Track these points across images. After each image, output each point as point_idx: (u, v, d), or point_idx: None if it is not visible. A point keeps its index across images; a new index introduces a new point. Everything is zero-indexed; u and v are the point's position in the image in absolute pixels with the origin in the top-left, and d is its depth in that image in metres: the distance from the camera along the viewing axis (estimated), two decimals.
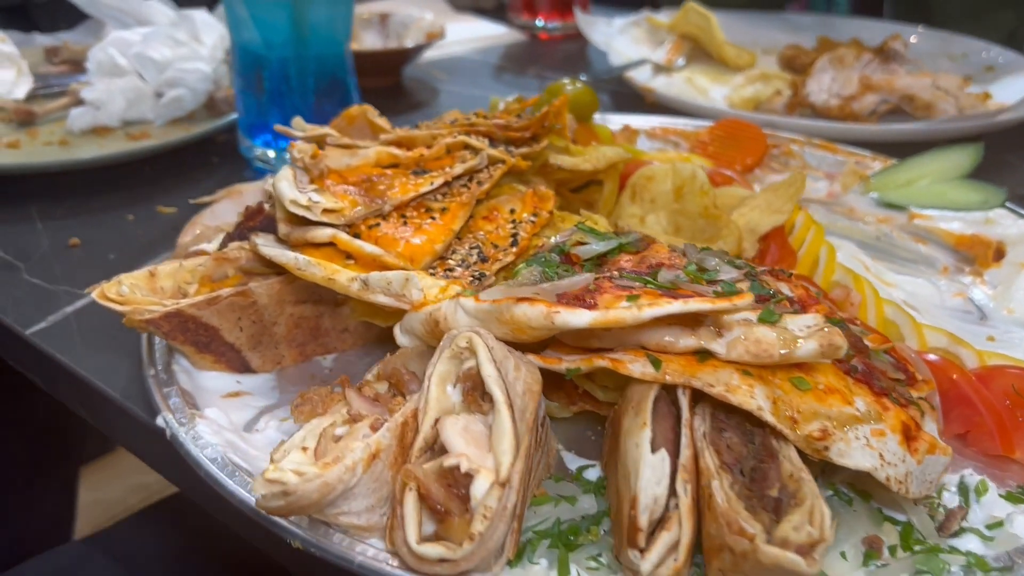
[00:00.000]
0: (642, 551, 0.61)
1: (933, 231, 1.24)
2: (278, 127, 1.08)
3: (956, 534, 0.71)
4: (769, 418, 0.66)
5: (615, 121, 1.55)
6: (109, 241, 1.24)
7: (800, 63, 1.82)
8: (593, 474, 0.79)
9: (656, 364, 0.68)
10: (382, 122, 1.09)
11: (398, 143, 1.05)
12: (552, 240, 0.91)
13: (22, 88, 1.67)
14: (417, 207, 0.95)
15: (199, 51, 1.61)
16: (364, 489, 0.66)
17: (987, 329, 1.00)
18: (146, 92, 1.58)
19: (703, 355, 0.69)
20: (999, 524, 0.72)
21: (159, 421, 0.80)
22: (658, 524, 0.62)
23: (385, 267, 0.85)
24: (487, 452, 0.65)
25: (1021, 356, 0.92)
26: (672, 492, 0.63)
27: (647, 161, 1.28)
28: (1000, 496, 0.75)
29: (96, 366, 0.96)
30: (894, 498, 0.72)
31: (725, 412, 0.69)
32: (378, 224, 0.91)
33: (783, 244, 1.10)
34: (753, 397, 0.67)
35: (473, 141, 1.03)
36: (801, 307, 0.80)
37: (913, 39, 1.94)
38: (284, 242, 0.91)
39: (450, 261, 0.89)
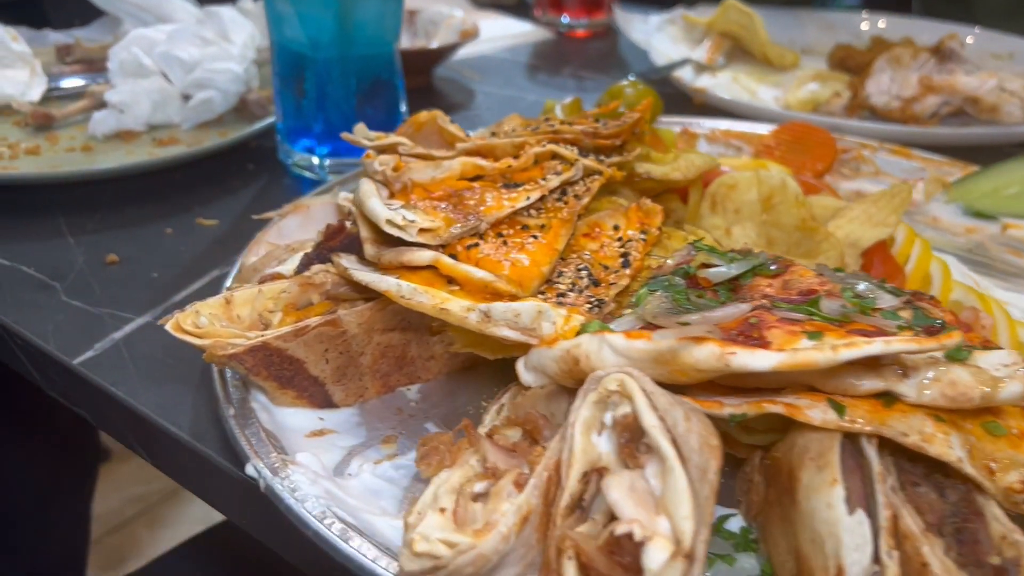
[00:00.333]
0: None
1: None
2: (345, 135, 0.99)
3: None
4: (970, 470, 0.59)
5: (664, 123, 1.47)
6: (149, 258, 1.14)
7: (854, 63, 1.74)
8: (734, 524, 0.71)
9: (840, 410, 0.60)
10: (454, 129, 1.00)
11: (478, 152, 0.96)
12: (668, 261, 0.83)
13: (36, 90, 1.56)
14: (511, 223, 0.87)
15: (229, 50, 1.51)
16: (514, 557, 0.58)
17: None
18: (172, 94, 1.48)
19: (888, 399, 0.61)
20: None
21: (249, 470, 0.71)
22: None
23: (496, 293, 0.76)
24: (655, 515, 0.57)
25: None
26: (875, 559, 0.55)
27: (722, 168, 1.20)
28: None
29: (157, 401, 0.86)
30: None
31: (910, 462, 0.62)
32: (477, 244, 0.82)
33: (888, 260, 1.03)
34: (951, 447, 0.59)
35: (563, 151, 0.95)
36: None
37: (970, 39, 1.88)
38: (371, 264, 0.82)
39: (559, 285, 0.81)
